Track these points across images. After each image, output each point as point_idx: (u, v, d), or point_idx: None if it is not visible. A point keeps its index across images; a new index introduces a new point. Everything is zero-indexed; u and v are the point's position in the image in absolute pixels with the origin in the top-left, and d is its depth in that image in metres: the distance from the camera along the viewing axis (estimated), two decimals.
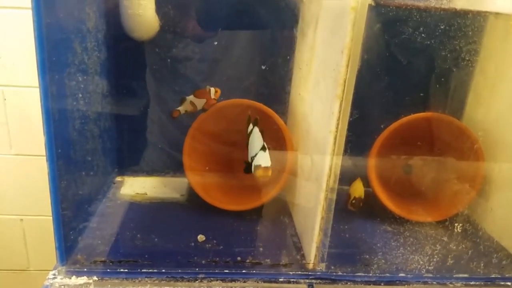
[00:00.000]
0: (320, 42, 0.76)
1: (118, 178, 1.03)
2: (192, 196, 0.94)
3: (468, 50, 0.76)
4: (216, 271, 0.74)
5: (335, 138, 0.67)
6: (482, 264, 0.80)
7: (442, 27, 0.73)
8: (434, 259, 0.80)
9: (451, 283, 0.77)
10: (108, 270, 0.72)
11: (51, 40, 0.62)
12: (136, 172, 1.05)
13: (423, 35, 0.74)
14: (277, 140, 0.92)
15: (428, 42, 0.75)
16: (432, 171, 0.93)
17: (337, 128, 0.67)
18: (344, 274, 0.76)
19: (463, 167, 0.88)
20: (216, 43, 0.92)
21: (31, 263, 1.33)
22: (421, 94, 0.84)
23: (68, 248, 0.72)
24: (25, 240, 1.29)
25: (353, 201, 0.88)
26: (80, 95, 0.76)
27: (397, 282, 0.76)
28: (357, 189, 0.91)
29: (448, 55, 0.76)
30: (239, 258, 0.76)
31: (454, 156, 0.90)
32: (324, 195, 0.71)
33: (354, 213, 0.91)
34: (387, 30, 0.81)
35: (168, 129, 1.06)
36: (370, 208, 0.92)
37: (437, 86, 0.82)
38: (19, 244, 1.30)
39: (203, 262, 0.75)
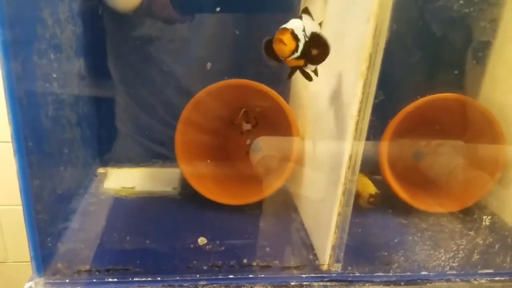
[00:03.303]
0: (336, 8, 0.65)
1: (101, 170, 0.93)
2: (185, 189, 0.85)
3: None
4: (220, 276, 0.65)
5: (357, 124, 0.58)
6: (508, 259, 0.74)
7: None
8: (458, 255, 0.73)
9: (475, 279, 0.70)
10: (94, 280, 0.63)
11: (12, 8, 0.50)
12: (120, 163, 0.95)
13: (461, 1, 0.65)
14: (280, 125, 0.82)
15: (467, 10, 0.66)
16: (448, 158, 0.86)
17: (359, 112, 0.58)
18: (362, 274, 0.68)
19: (484, 154, 0.80)
20: (218, 8, 0.81)
21: (9, 255, 1.25)
22: (456, 72, 0.75)
23: (45, 256, 0.62)
24: (2, 231, 1.21)
25: (371, 199, 0.80)
26: (54, 76, 0.65)
27: (419, 281, 0.69)
28: (368, 185, 0.83)
29: (488, 25, 0.67)
30: (245, 261, 0.67)
31: (474, 142, 0.82)
32: (342, 188, 0.62)
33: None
34: None
35: (154, 114, 0.95)
36: (383, 200, 0.84)
37: (474, 62, 0.73)
38: None
39: (204, 267, 0.66)
